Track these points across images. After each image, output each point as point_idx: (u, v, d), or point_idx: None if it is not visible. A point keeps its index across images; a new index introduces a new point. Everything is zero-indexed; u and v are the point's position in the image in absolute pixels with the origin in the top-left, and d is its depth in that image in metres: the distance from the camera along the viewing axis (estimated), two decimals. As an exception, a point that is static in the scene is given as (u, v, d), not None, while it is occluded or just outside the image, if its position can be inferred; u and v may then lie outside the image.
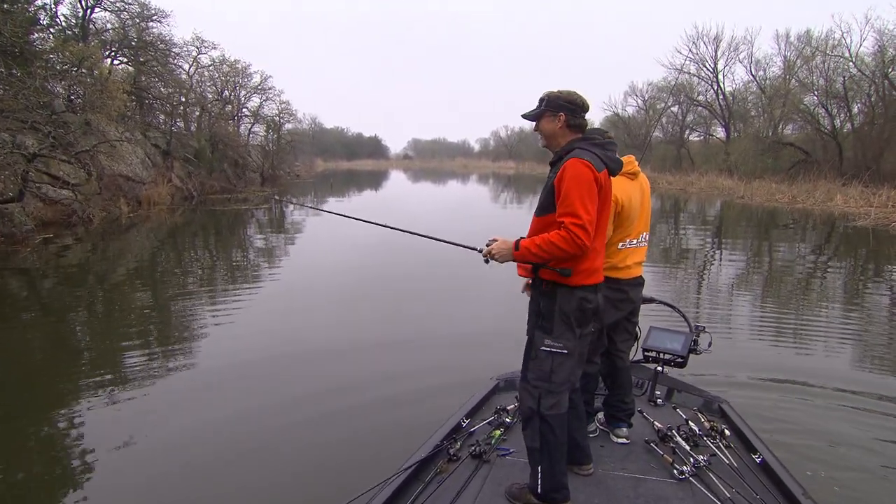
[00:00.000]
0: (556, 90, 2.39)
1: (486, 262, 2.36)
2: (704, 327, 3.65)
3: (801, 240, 14.51)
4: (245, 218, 18.58)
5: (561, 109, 2.35)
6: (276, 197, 25.11)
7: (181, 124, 27.80)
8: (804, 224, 17.56)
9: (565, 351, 2.32)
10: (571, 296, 2.30)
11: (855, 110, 27.59)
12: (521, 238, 2.31)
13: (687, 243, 13.62)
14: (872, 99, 26.29)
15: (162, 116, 25.57)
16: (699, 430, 3.04)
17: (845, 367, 5.41)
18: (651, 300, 3.85)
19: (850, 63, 26.62)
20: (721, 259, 11.57)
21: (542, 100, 2.41)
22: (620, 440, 3.01)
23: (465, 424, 3.08)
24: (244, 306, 7.23)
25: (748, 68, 35.40)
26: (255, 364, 5.26)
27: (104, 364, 5.23)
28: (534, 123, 2.47)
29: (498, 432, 2.95)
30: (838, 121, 27.92)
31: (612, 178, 2.37)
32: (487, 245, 2.35)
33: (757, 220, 18.87)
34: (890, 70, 24.82)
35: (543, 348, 2.33)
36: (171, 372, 5.02)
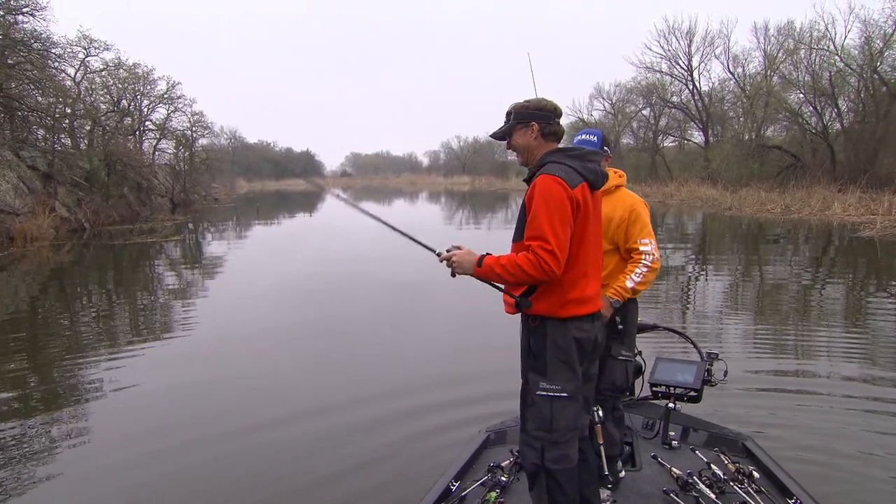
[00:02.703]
0: (521, 101, 2.49)
1: (453, 275, 2.43)
2: (718, 354, 3.65)
3: (795, 254, 14.74)
4: (152, 252, 17.66)
5: (532, 119, 2.42)
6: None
7: (67, 141, 26.31)
8: (796, 236, 17.97)
9: (565, 394, 2.33)
10: (564, 329, 2.33)
11: (844, 108, 28.97)
12: (488, 254, 2.36)
13: (667, 262, 13.60)
14: (862, 95, 27.67)
15: (41, 132, 24.01)
16: (724, 475, 3.03)
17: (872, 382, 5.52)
18: (654, 327, 3.92)
19: (837, 57, 28.02)
20: (707, 278, 11.58)
21: (508, 113, 2.49)
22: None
23: (454, 488, 3.04)
24: (151, 363, 6.68)
25: (725, 65, 36.89)
26: (173, 435, 4.73)
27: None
28: (505, 142, 2.54)
29: (493, 494, 2.92)
30: (826, 119, 29.22)
31: (595, 191, 2.42)
32: (448, 251, 2.41)
33: (744, 234, 19.29)
34: (878, 63, 26.23)
35: (540, 392, 2.34)
36: (53, 451, 4.47)
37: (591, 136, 3.11)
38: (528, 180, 2.42)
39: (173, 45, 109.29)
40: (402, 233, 2.58)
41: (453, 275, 2.42)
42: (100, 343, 7.77)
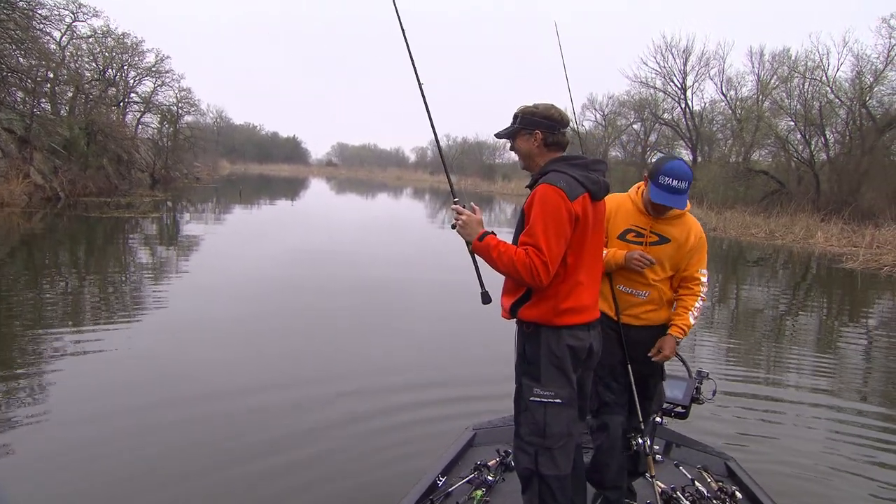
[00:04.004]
0: (530, 104, 2.45)
1: (453, 226, 2.43)
2: (708, 373, 3.67)
3: (774, 281, 14.87)
4: (128, 228, 17.26)
5: (537, 126, 2.40)
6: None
7: (47, 106, 25.55)
8: (775, 262, 18.15)
9: (559, 400, 2.33)
10: (558, 337, 2.33)
11: (831, 139, 29.34)
12: (493, 233, 2.33)
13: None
14: (849, 127, 28.05)
15: (20, 94, 23.27)
16: (707, 492, 3.07)
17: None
18: None
19: (828, 88, 28.36)
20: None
21: (515, 116, 2.46)
22: None
23: (440, 483, 3.05)
24: (116, 336, 6.52)
25: (718, 86, 37.13)
26: (137, 416, 4.59)
27: None
28: (508, 143, 2.53)
29: (479, 493, 2.93)
30: (812, 148, 29.56)
31: (598, 202, 2.42)
32: (464, 206, 2.43)
33: (724, 255, 19.46)
34: (867, 98, 26.58)
35: (533, 398, 2.35)
36: (10, 427, 4.29)
37: (682, 184, 2.72)
38: (530, 186, 2.42)
39: (173, 45, 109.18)
40: (445, 166, 2.89)
41: (453, 226, 2.43)
42: (64, 314, 7.54)
